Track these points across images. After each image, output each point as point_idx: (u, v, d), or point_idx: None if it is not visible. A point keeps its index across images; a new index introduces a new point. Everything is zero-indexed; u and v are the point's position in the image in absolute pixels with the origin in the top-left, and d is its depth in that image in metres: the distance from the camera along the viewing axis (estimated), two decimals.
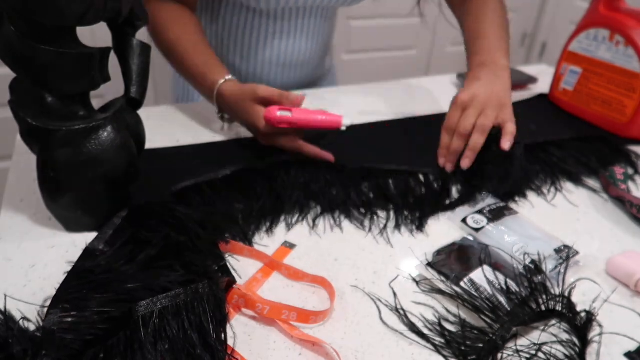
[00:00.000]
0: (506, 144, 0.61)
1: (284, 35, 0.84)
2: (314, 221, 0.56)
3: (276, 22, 0.82)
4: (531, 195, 0.64)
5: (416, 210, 0.59)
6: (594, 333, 0.43)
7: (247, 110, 0.65)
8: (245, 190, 0.59)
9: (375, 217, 0.58)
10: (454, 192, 0.63)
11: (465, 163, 0.63)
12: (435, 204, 0.60)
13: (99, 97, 0.78)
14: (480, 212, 0.57)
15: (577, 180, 0.67)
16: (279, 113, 0.61)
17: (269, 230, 0.55)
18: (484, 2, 0.78)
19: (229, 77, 0.68)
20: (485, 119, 0.63)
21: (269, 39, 0.83)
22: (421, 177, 0.65)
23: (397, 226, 0.56)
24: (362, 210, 0.58)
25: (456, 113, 0.65)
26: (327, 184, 0.61)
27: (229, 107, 0.67)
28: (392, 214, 0.58)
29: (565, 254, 0.51)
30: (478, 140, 0.63)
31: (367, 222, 0.57)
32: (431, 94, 0.94)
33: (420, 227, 0.56)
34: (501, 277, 0.47)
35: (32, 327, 0.39)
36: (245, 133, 0.74)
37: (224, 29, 0.84)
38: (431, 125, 0.80)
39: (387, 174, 0.64)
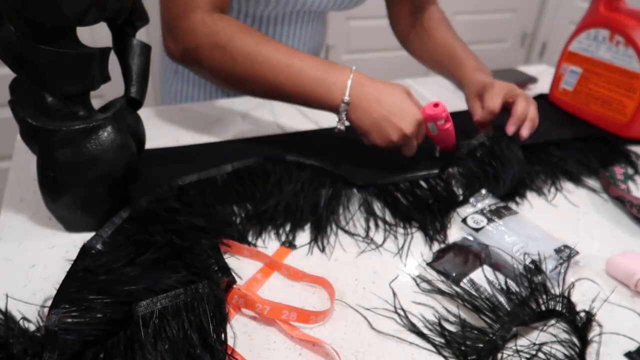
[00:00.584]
0: (526, 130, 0.67)
1: (282, 39, 0.83)
2: (314, 225, 0.56)
3: (269, 27, 0.81)
4: (531, 195, 0.64)
5: (435, 220, 0.57)
6: (593, 333, 0.43)
7: (402, 97, 0.60)
8: (246, 192, 0.59)
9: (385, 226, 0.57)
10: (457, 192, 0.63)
11: (527, 133, 0.67)
12: (446, 209, 0.59)
13: (99, 97, 0.78)
14: (480, 212, 0.57)
15: (577, 180, 0.67)
16: (444, 115, 0.62)
17: (269, 231, 0.55)
18: (433, 20, 0.84)
19: (354, 67, 0.61)
20: (533, 107, 0.69)
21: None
22: (423, 184, 0.63)
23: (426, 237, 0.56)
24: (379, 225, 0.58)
25: (499, 94, 0.67)
26: (331, 187, 0.61)
27: (372, 94, 0.59)
28: (413, 229, 0.57)
29: (565, 254, 0.51)
30: (534, 110, 0.68)
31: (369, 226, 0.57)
32: (431, 94, 0.94)
33: (444, 236, 0.56)
34: (501, 277, 0.47)
35: (32, 327, 0.39)
36: (246, 133, 0.74)
37: None
38: None
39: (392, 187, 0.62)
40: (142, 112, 0.57)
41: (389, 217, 0.58)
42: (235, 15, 0.79)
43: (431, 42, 0.83)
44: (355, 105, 0.59)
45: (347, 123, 0.61)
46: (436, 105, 0.61)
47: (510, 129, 0.67)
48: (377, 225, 0.57)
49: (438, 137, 0.66)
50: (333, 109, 0.60)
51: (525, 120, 0.67)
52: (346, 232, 0.55)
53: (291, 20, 0.82)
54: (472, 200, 0.60)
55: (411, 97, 0.62)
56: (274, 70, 0.60)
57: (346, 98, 0.58)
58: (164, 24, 0.65)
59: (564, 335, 0.43)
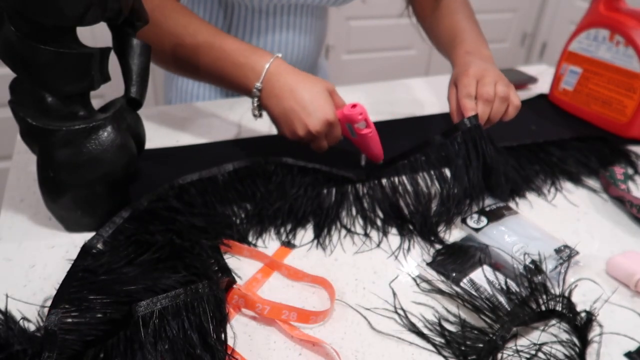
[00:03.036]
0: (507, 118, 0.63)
1: (276, 31, 0.83)
2: (316, 225, 0.56)
3: (268, 18, 0.81)
4: (531, 195, 0.64)
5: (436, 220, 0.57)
6: (594, 333, 0.43)
7: (318, 92, 0.57)
8: (247, 191, 0.59)
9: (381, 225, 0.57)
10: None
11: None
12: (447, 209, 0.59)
13: (99, 97, 0.78)
14: (480, 212, 0.57)
15: (577, 180, 0.67)
16: (360, 117, 0.58)
17: (269, 231, 0.55)
18: (453, 2, 0.79)
19: (279, 54, 0.60)
20: (503, 87, 0.61)
21: (261, 35, 0.83)
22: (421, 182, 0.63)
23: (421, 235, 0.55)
24: (377, 224, 0.57)
25: (472, 81, 0.62)
26: (334, 188, 0.61)
27: (287, 83, 0.57)
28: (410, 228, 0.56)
29: (566, 254, 0.51)
30: (500, 109, 0.61)
31: (369, 226, 0.57)
32: (431, 94, 0.94)
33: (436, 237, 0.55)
34: (501, 277, 0.47)
35: (32, 327, 0.39)
36: (246, 134, 0.74)
37: (215, 25, 0.84)
38: (431, 124, 0.80)
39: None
40: (142, 112, 0.57)
41: (388, 217, 0.58)
42: (231, 7, 0.80)
43: (442, 24, 0.79)
44: (268, 92, 0.58)
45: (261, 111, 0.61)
46: (354, 106, 0.58)
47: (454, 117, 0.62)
48: (376, 225, 0.57)
49: (359, 143, 0.62)
50: (247, 93, 0.60)
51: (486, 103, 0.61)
52: (348, 230, 0.55)
53: (289, 12, 0.82)
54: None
55: (332, 95, 0.60)
56: (197, 50, 0.60)
57: (258, 84, 0.58)
58: None
59: (564, 335, 0.43)
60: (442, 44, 0.78)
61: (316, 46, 0.91)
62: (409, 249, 0.53)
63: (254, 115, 0.61)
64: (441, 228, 0.57)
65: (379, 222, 0.57)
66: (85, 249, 0.47)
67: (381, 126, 0.79)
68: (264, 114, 0.62)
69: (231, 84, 0.61)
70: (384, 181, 0.61)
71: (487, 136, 0.60)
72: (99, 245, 0.48)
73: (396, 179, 0.61)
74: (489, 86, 0.61)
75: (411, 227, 0.56)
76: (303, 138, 0.59)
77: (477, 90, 0.62)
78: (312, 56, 0.91)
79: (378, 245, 0.54)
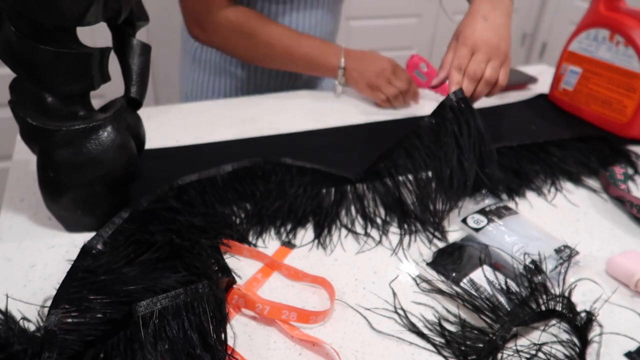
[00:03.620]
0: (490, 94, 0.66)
1: (293, 14, 0.85)
2: (316, 224, 0.56)
3: (285, 4, 0.84)
4: (531, 195, 0.64)
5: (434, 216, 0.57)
6: (594, 333, 0.43)
7: (379, 56, 0.84)
8: (246, 191, 0.59)
9: (381, 224, 0.57)
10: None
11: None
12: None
13: (99, 97, 0.78)
14: (480, 212, 0.57)
15: (577, 180, 0.67)
16: (419, 60, 0.89)
17: (269, 231, 0.55)
18: None
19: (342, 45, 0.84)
20: (493, 71, 0.63)
21: (278, 20, 0.85)
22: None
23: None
24: (375, 221, 0.57)
25: (467, 53, 0.63)
26: (333, 188, 0.61)
27: (359, 55, 0.84)
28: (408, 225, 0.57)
29: (566, 254, 0.51)
30: (482, 91, 0.63)
31: (369, 226, 0.57)
32: (431, 94, 0.94)
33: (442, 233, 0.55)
34: (501, 277, 0.47)
35: (32, 327, 0.39)
36: (246, 134, 0.74)
37: None
38: None
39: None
40: (142, 112, 0.57)
41: (388, 217, 0.58)
42: None
43: None
44: (349, 65, 0.83)
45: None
46: (412, 57, 0.88)
47: (434, 81, 0.66)
48: (376, 224, 0.57)
49: (430, 83, 0.82)
50: (333, 73, 0.84)
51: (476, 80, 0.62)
52: (349, 229, 0.55)
53: (300, 5, 0.84)
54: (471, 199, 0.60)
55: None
56: (287, 51, 0.81)
57: (342, 63, 0.83)
58: (188, 16, 0.81)
59: (564, 335, 0.43)
60: None
61: (333, 23, 0.94)
62: (409, 244, 0.53)
63: (339, 89, 0.87)
64: (443, 215, 0.57)
65: (379, 221, 0.57)
66: (85, 250, 0.47)
67: (382, 126, 0.79)
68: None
69: (318, 69, 0.84)
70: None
71: (475, 111, 0.60)
72: (99, 246, 0.48)
73: (393, 169, 0.61)
74: (478, 64, 0.62)
75: (414, 217, 0.56)
76: (388, 75, 0.83)
77: (468, 63, 0.63)
78: (330, 33, 0.94)
79: (379, 242, 0.54)
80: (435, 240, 0.55)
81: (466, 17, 0.67)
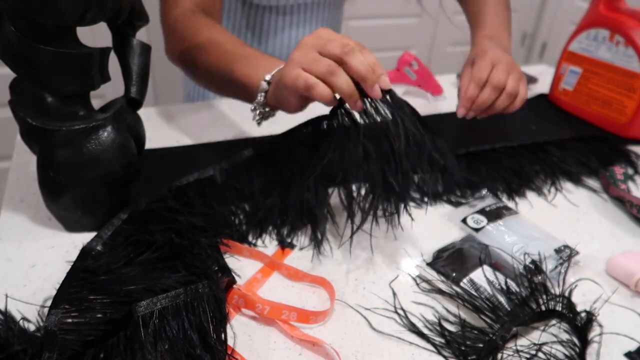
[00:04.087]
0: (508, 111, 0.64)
1: (293, 28, 0.85)
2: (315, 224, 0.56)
3: (285, 16, 0.83)
4: (531, 195, 0.64)
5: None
6: (594, 333, 0.43)
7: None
8: (244, 190, 0.59)
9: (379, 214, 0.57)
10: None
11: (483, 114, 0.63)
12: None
13: (99, 97, 0.78)
14: (480, 212, 0.57)
15: (577, 180, 0.67)
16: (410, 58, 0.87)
17: (269, 230, 0.55)
18: None
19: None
20: (514, 82, 0.62)
21: (278, 33, 0.84)
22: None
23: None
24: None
25: (488, 65, 0.62)
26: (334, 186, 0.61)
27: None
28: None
29: (566, 254, 0.51)
30: (503, 102, 0.62)
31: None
32: (420, 92, 0.93)
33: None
34: (501, 277, 0.47)
35: (32, 327, 0.39)
36: (246, 134, 0.74)
37: (232, 26, 0.85)
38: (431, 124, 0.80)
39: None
40: (142, 112, 0.57)
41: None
42: (245, 6, 0.81)
43: (468, 7, 0.80)
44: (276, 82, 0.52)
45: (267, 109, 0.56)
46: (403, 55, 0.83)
47: (459, 112, 0.62)
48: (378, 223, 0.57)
49: (421, 81, 0.82)
50: (255, 88, 0.55)
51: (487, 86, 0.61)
52: (346, 232, 0.55)
53: (306, 8, 0.83)
54: (471, 200, 0.60)
55: None
56: (217, 61, 0.59)
57: (269, 76, 0.53)
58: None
59: (564, 335, 0.43)
60: (468, 17, 0.79)
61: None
62: (409, 247, 0.53)
63: (259, 118, 0.57)
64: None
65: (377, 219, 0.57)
66: (85, 251, 0.47)
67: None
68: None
69: (242, 81, 0.56)
70: None
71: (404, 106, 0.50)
72: (99, 247, 0.48)
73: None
74: (502, 73, 0.61)
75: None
76: (307, 66, 0.47)
77: (489, 74, 0.61)
78: None
79: (389, 227, 0.51)
80: (435, 241, 0.55)
81: (474, 48, 0.69)
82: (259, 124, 0.58)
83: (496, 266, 0.49)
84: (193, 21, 0.65)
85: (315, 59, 0.46)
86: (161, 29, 0.69)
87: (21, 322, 0.39)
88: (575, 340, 0.42)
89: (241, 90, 0.57)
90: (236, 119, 0.79)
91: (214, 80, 0.62)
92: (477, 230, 0.55)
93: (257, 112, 0.56)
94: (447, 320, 0.44)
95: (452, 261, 0.50)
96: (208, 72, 0.61)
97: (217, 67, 0.59)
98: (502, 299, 0.45)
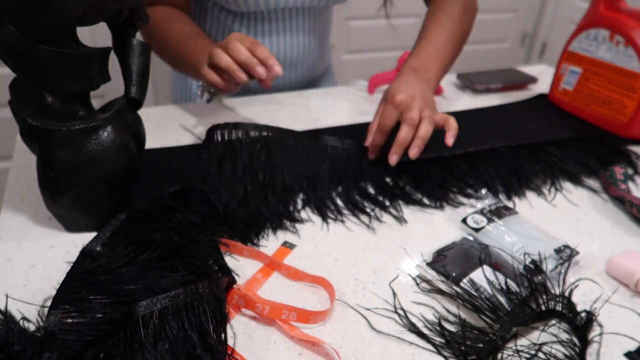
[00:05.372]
0: (450, 139, 0.62)
1: (274, 35, 0.84)
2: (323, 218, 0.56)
3: (264, 23, 0.82)
4: (531, 195, 0.64)
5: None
6: (594, 333, 0.43)
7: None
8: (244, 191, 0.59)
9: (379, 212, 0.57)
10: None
11: (415, 152, 0.61)
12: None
13: (99, 97, 0.78)
14: (480, 212, 0.57)
15: (577, 180, 0.67)
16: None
17: (269, 230, 0.55)
18: (447, 4, 0.77)
19: None
20: (431, 112, 0.63)
21: (258, 40, 0.83)
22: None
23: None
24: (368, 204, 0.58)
25: (393, 112, 0.63)
26: (331, 179, 0.61)
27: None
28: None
29: (566, 254, 0.51)
30: (428, 129, 0.62)
31: (367, 219, 0.57)
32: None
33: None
34: (501, 277, 0.47)
35: (32, 327, 0.39)
36: None
37: (216, 31, 0.85)
38: None
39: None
40: (142, 112, 0.57)
41: (389, 217, 0.58)
42: (227, 13, 0.81)
43: (426, 18, 0.79)
44: None
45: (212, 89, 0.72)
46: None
47: (391, 159, 0.62)
48: (379, 220, 0.57)
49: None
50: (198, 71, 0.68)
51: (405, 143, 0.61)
52: (346, 231, 0.55)
53: (284, 16, 0.83)
54: (472, 200, 0.60)
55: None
56: (172, 50, 0.74)
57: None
58: None
59: (564, 335, 0.43)
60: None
61: (317, 46, 0.92)
62: (409, 246, 0.53)
63: (208, 97, 0.73)
64: None
65: (379, 217, 0.57)
66: (85, 253, 0.47)
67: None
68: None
69: (187, 63, 0.72)
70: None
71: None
72: (98, 248, 0.48)
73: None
74: (415, 111, 0.62)
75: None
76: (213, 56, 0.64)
77: (402, 115, 0.63)
78: (313, 56, 0.92)
79: (390, 227, 0.54)
80: (435, 241, 0.55)
81: (395, 81, 0.68)
82: (208, 102, 0.73)
83: (496, 266, 0.49)
84: (163, 11, 0.76)
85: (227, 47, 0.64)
86: None
87: (21, 322, 0.39)
88: (575, 340, 0.42)
89: (191, 72, 0.73)
90: (236, 119, 0.79)
91: (167, 55, 0.76)
92: (477, 230, 0.55)
93: (205, 92, 0.72)
94: (447, 320, 0.44)
95: (452, 261, 0.50)
96: (163, 48, 0.76)
97: (171, 45, 0.74)
98: (502, 299, 0.45)
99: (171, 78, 1.00)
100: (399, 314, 0.45)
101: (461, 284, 0.47)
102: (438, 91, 0.91)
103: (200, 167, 0.57)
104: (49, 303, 0.42)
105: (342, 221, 0.57)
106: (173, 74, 0.98)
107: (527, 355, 0.41)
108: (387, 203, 0.60)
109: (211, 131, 0.59)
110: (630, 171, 0.70)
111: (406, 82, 0.66)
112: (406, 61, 0.72)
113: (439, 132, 0.63)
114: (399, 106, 0.63)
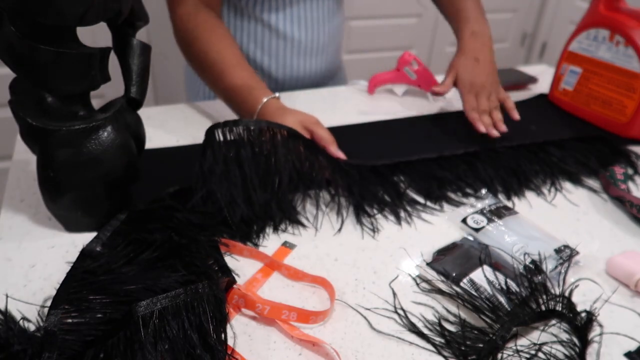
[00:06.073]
0: (516, 114, 0.77)
1: (302, 20, 0.86)
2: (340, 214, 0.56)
3: (292, 7, 0.84)
4: (531, 195, 0.64)
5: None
6: (594, 333, 0.43)
7: (292, 122, 0.64)
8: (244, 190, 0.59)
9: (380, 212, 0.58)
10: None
11: (504, 127, 0.74)
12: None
13: (99, 97, 0.78)
14: (480, 212, 0.57)
15: (577, 180, 0.67)
16: (410, 57, 0.90)
17: (269, 231, 0.55)
18: None
19: (277, 94, 0.70)
20: (495, 100, 0.78)
21: (286, 24, 0.85)
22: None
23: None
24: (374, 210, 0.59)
25: (472, 97, 0.76)
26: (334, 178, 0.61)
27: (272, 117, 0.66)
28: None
29: (566, 254, 0.51)
30: (499, 115, 0.76)
31: (367, 219, 0.57)
32: (421, 92, 0.93)
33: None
34: (501, 277, 0.47)
35: (32, 327, 0.39)
36: None
37: (240, 18, 0.85)
38: (430, 123, 0.80)
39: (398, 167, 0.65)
40: (142, 112, 0.57)
41: (388, 216, 0.58)
42: (253, 2, 0.82)
43: (447, 5, 0.88)
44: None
45: None
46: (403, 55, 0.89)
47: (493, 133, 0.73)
48: (377, 222, 0.57)
49: (421, 81, 0.89)
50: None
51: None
52: (346, 232, 0.55)
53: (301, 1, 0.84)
54: (472, 200, 0.60)
55: (311, 126, 0.64)
56: (216, 77, 0.72)
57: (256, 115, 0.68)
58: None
59: (564, 335, 0.43)
60: (447, 15, 0.88)
61: (339, 33, 0.94)
62: (409, 246, 0.53)
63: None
64: None
65: (380, 217, 0.57)
66: (85, 253, 0.47)
67: (381, 126, 0.79)
68: None
69: (238, 113, 0.72)
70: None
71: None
72: (98, 248, 0.48)
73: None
74: (484, 101, 0.77)
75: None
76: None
77: (478, 104, 0.76)
78: (335, 42, 0.94)
79: (390, 227, 0.54)
80: (435, 240, 0.55)
81: (459, 53, 0.80)
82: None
83: (496, 266, 0.49)
84: (197, 24, 0.74)
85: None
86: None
87: (21, 322, 0.39)
88: (575, 340, 0.42)
89: (235, 107, 0.72)
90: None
91: (212, 87, 0.75)
92: (477, 230, 0.55)
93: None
94: (447, 320, 0.44)
95: (452, 261, 0.50)
96: (210, 82, 0.74)
97: (217, 82, 0.72)
98: (502, 299, 0.45)
99: (185, 73, 1.01)
100: (399, 314, 0.45)
101: (461, 284, 0.47)
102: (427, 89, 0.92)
103: (204, 166, 0.56)
104: (49, 303, 0.42)
105: (343, 221, 0.57)
106: (188, 70, 0.97)
107: (527, 355, 0.41)
108: (387, 203, 0.60)
109: (211, 130, 0.59)
110: (630, 171, 0.70)
111: (475, 59, 0.78)
112: (461, 31, 0.82)
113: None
114: (474, 92, 0.77)
